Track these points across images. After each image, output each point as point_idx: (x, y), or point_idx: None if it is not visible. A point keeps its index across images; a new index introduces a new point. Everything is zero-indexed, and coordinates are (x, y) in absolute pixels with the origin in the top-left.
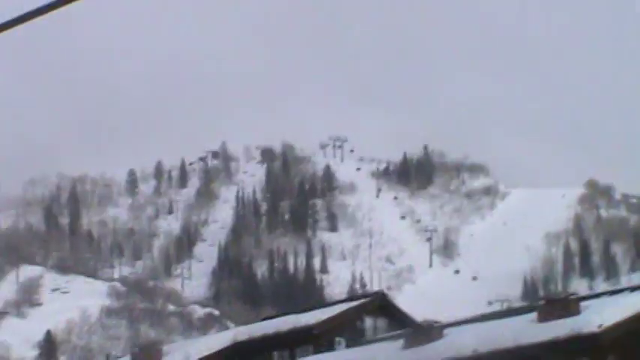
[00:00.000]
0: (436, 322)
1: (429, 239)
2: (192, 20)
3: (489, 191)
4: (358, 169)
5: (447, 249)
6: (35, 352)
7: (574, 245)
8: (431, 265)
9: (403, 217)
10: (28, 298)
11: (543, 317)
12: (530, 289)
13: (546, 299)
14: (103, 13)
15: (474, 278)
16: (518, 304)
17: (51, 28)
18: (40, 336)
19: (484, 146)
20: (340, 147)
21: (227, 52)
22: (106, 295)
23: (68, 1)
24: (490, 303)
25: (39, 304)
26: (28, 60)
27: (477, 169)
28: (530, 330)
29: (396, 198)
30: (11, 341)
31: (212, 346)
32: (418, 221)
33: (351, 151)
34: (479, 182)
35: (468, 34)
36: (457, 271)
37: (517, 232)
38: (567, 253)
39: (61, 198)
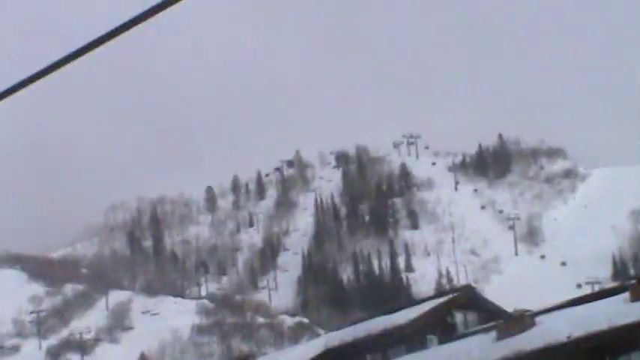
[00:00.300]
0: (527, 311)
1: (511, 227)
2: (257, 30)
3: (569, 174)
4: (434, 163)
5: (532, 236)
6: None
7: None
8: (517, 254)
9: (484, 208)
10: (119, 322)
11: (636, 296)
12: (620, 269)
13: (637, 278)
14: (173, 29)
15: (563, 264)
16: (608, 285)
17: (121, 51)
18: (134, 359)
19: (560, 129)
20: (414, 144)
21: (291, 60)
22: (195, 314)
23: (134, 24)
24: (579, 286)
25: (130, 328)
26: (100, 83)
27: (554, 153)
28: (623, 310)
29: (475, 190)
30: None
31: (304, 355)
32: (500, 211)
33: (426, 147)
34: (557, 166)
35: (534, 15)
36: (543, 256)
37: (601, 212)
38: None
39: (142, 221)
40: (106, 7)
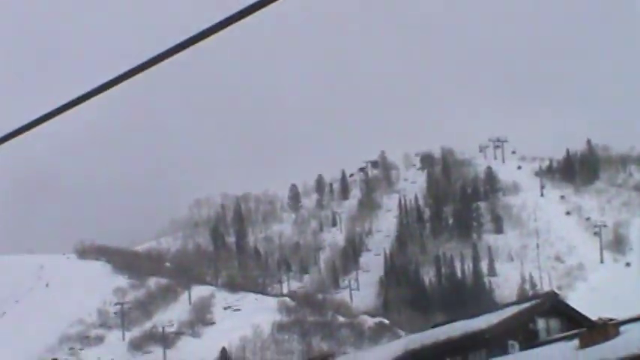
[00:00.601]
0: (611, 320)
1: (596, 233)
2: (348, 29)
3: None
4: (519, 167)
5: (618, 244)
6: None
7: None
8: (602, 262)
9: (569, 214)
10: (201, 317)
11: None
12: None
13: None
14: (267, 27)
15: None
16: None
17: (211, 49)
18: (215, 354)
19: None
20: (500, 147)
21: (380, 60)
22: (276, 311)
23: (229, 23)
24: None
25: (212, 323)
26: (185, 80)
27: None
28: None
29: (562, 197)
30: None
31: (384, 356)
32: (587, 218)
33: (513, 152)
34: None
35: (627, 16)
36: (628, 264)
37: None
38: None
39: (226, 217)
40: (204, 6)
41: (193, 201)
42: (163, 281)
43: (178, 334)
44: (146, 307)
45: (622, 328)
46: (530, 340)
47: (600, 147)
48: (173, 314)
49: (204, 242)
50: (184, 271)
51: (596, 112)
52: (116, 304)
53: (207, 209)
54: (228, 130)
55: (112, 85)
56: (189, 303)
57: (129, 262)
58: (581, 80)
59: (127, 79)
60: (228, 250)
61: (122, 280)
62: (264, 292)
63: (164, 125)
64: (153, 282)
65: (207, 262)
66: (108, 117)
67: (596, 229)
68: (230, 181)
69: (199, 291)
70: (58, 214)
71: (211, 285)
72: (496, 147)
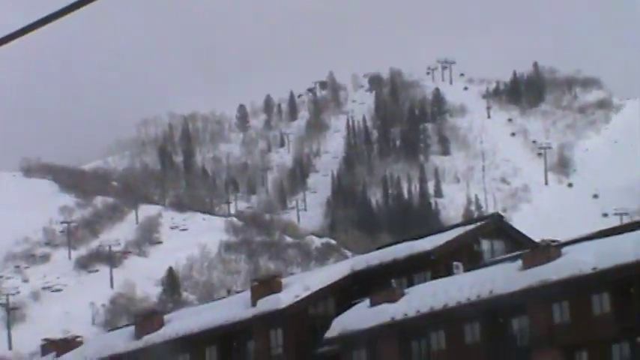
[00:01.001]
0: (554, 241)
1: (540, 154)
2: None
3: (603, 104)
4: (466, 88)
5: (562, 166)
6: (159, 289)
7: None
8: (546, 183)
9: (514, 135)
10: (148, 237)
11: None
12: None
13: None
14: None
15: (595, 196)
16: (637, 217)
17: None
18: (162, 273)
19: (596, 59)
20: (446, 68)
21: None
22: (223, 231)
23: None
24: (605, 215)
25: (159, 243)
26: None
27: (589, 83)
28: None
29: (510, 120)
30: (135, 279)
31: (331, 277)
32: (534, 142)
33: (461, 74)
34: (592, 96)
35: None
36: (570, 184)
37: (634, 144)
38: None
39: (174, 137)
40: None
41: (141, 120)
42: (110, 200)
43: (125, 253)
44: (93, 225)
45: (564, 250)
46: (475, 262)
47: (547, 69)
48: (120, 233)
49: (151, 162)
50: (131, 190)
51: (543, 35)
52: (62, 222)
53: (155, 128)
54: (177, 50)
55: (74, 10)
56: (136, 222)
57: (75, 181)
58: (529, 3)
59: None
60: (176, 170)
61: (68, 199)
62: (211, 212)
63: (113, 42)
64: (99, 201)
65: (155, 181)
66: (54, 30)
67: (541, 151)
68: (178, 100)
69: (146, 210)
70: (3, 131)
71: (158, 204)
72: (444, 68)
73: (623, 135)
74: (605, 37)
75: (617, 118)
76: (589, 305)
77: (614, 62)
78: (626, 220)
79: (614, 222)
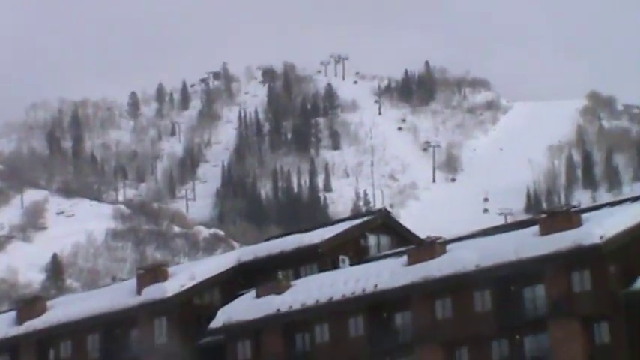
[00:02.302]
0: (439, 238)
1: (425, 149)
2: None
3: (491, 106)
4: (355, 82)
5: (450, 164)
6: (42, 276)
7: (577, 157)
8: (434, 181)
9: (401, 131)
10: (33, 222)
11: (545, 230)
12: (533, 203)
13: (547, 212)
14: None
15: (486, 200)
16: (521, 217)
17: None
18: (46, 259)
19: (485, 61)
20: (340, 62)
21: None
22: (110, 218)
23: None
24: (486, 211)
25: (44, 228)
26: None
27: (478, 84)
28: (531, 243)
29: (403, 121)
30: (18, 265)
31: (217, 267)
32: (426, 142)
33: (357, 73)
34: (481, 97)
35: None
36: (453, 179)
37: (520, 145)
38: (570, 166)
39: (63, 122)
40: None
41: (30, 104)
42: None
43: (9, 237)
44: None
45: (449, 247)
46: (361, 256)
47: (438, 69)
48: (4, 218)
49: (39, 146)
50: (17, 174)
51: (434, 36)
52: None
53: (44, 113)
54: (69, 34)
55: None
56: (22, 207)
57: None
58: (422, 2)
59: None
60: (64, 156)
61: None
62: (99, 199)
63: (4, 23)
64: None
65: (42, 166)
66: None
67: (430, 150)
68: (69, 85)
69: (32, 195)
70: None
71: (45, 189)
72: (337, 62)
73: (509, 136)
74: (494, 40)
75: (504, 120)
76: (471, 302)
77: (502, 64)
78: (510, 220)
79: (497, 220)
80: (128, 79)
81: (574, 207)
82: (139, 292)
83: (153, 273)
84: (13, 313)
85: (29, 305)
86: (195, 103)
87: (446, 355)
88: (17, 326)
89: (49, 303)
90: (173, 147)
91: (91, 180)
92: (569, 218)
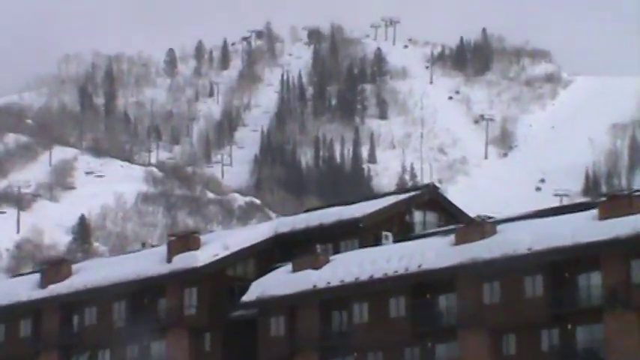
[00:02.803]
0: (489, 218)
1: (478, 122)
2: None
3: (551, 79)
4: (405, 46)
5: (504, 140)
6: (68, 238)
7: None
8: (486, 157)
9: (452, 100)
10: (61, 181)
11: (604, 214)
12: (592, 184)
13: (607, 195)
14: None
15: (542, 180)
16: (579, 200)
17: None
18: (73, 221)
19: (547, 30)
20: (391, 26)
21: None
22: (142, 181)
23: None
24: (538, 189)
25: (72, 188)
26: None
27: (538, 55)
28: (589, 228)
29: (456, 92)
30: (44, 225)
31: (252, 237)
32: (480, 115)
33: (409, 39)
34: (540, 69)
35: None
36: (505, 154)
37: (580, 122)
38: (633, 147)
39: (96, 77)
40: None
41: (62, 56)
42: (23, 139)
43: (35, 196)
44: (2, 164)
45: (499, 227)
46: (406, 233)
47: (495, 37)
48: (31, 175)
49: (70, 102)
50: (46, 130)
51: (493, 1)
52: None
53: (77, 67)
54: None
55: None
56: (50, 164)
57: None
58: None
59: None
60: (96, 112)
61: None
62: (130, 160)
63: None
64: (11, 139)
65: (72, 122)
66: None
67: (484, 123)
68: (103, 38)
69: (61, 153)
70: None
71: (75, 147)
72: (387, 26)
73: (569, 112)
74: (558, 9)
75: (564, 94)
76: (521, 287)
77: (565, 35)
78: (566, 202)
79: (552, 201)
80: (166, 35)
81: (637, 191)
82: (169, 260)
83: (184, 240)
84: (37, 276)
85: (54, 268)
86: (236, 64)
87: (491, 342)
88: (41, 290)
89: (74, 267)
90: (210, 108)
91: (122, 139)
92: (630, 202)
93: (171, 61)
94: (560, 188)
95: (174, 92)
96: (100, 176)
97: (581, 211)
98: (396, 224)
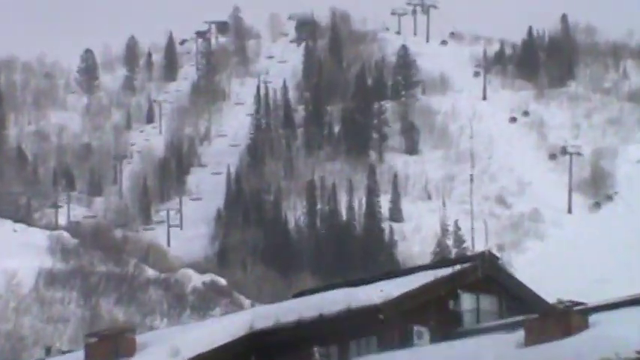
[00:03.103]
0: (578, 304)
1: (556, 157)
2: None
3: None
4: (444, 42)
5: (597, 183)
6: None
7: None
8: (570, 211)
9: (515, 121)
10: None
11: None
12: None
13: None
14: None
15: None
16: None
17: None
18: None
19: None
20: (421, 13)
21: None
22: (45, 252)
23: None
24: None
25: None
26: None
27: None
28: None
29: (525, 113)
30: None
31: (216, 338)
32: (563, 148)
33: (452, 33)
34: None
35: None
36: (598, 205)
37: None
38: None
39: None
40: None
41: None
42: None
43: None
44: None
45: (592, 318)
46: (449, 327)
47: (581, 28)
48: None
49: None
50: None
51: None
52: None
53: None
54: None
55: None
56: None
57: None
58: None
59: None
60: None
61: None
62: (27, 221)
63: None
64: None
65: None
66: None
67: (566, 159)
68: None
69: None
70: None
71: None
72: (416, 13)
73: None
74: None
75: None
76: None
77: None
78: None
79: None
80: (80, 32)
81: None
82: None
83: (111, 343)
84: None
85: None
86: (187, 72)
87: None
88: None
89: None
90: (150, 141)
91: (16, 190)
92: None
93: (89, 69)
94: None
95: (93, 116)
96: None
97: None
98: (434, 314)
